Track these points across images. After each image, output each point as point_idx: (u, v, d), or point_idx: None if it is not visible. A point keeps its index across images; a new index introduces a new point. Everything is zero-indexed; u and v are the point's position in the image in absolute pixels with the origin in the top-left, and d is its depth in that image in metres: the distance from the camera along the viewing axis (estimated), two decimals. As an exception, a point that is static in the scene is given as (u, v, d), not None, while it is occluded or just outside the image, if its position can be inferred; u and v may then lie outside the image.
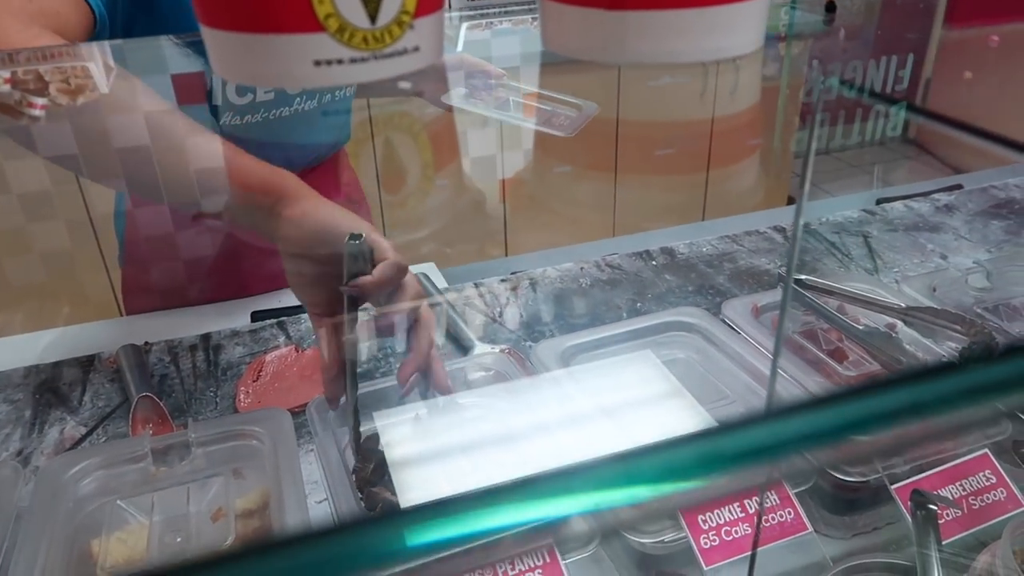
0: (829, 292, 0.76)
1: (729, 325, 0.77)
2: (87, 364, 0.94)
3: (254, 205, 0.67)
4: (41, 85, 0.90)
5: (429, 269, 1.16)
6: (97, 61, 0.93)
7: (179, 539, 0.58)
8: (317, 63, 0.30)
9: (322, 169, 1.12)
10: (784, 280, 0.75)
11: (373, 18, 0.30)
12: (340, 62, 0.30)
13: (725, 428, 0.23)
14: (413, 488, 0.61)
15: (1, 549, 0.55)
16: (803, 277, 0.77)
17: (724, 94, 2.31)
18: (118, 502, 0.59)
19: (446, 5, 0.34)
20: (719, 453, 0.23)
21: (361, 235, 0.62)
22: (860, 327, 0.71)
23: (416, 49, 0.32)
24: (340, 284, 0.64)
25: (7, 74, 0.90)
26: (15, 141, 0.70)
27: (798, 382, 0.66)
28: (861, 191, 1.41)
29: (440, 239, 2.04)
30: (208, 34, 0.31)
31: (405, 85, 0.87)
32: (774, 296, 0.80)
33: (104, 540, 0.56)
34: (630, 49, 0.31)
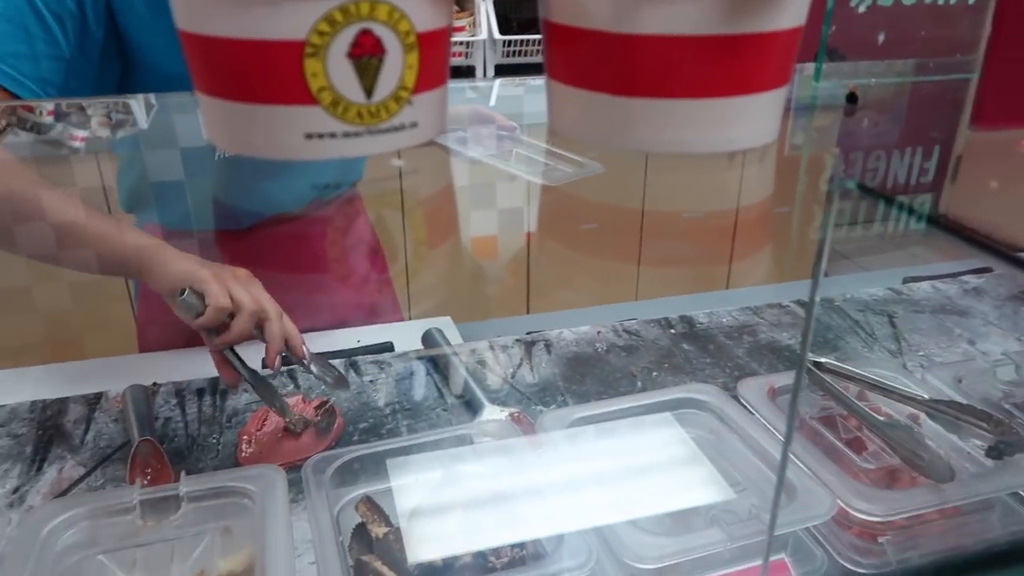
0: (849, 377, 0.73)
1: (744, 405, 0.75)
2: (94, 402, 0.93)
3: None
4: (83, 118, 0.91)
5: (445, 323, 1.14)
6: (138, 98, 0.95)
7: (157, 600, 0.56)
8: (308, 136, 0.29)
9: (330, 206, 1.11)
10: (798, 366, 0.73)
11: (369, 92, 0.29)
12: (333, 136, 0.29)
13: None
14: (420, 543, 0.59)
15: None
16: (823, 360, 0.74)
17: (754, 158, 2.30)
18: (99, 556, 0.58)
19: (448, 80, 0.33)
20: None
21: (185, 290, 0.78)
22: (881, 417, 0.68)
23: (414, 125, 0.31)
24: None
25: (51, 107, 0.91)
26: None
27: (813, 473, 0.63)
28: (890, 267, 1.37)
29: (459, 291, 2.03)
30: (202, 100, 0.31)
31: (398, 163, 0.87)
32: (791, 378, 0.77)
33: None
34: (637, 137, 0.30)
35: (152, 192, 0.99)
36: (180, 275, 0.80)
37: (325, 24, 0.27)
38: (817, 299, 0.30)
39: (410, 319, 1.22)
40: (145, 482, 0.74)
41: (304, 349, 0.85)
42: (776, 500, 0.45)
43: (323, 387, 0.90)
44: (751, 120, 0.31)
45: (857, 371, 0.72)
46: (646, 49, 0.29)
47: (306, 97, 0.29)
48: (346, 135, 0.30)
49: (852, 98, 0.45)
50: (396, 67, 0.29)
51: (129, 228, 0.85)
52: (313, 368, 0.86)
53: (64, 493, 0.78)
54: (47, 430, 0.88)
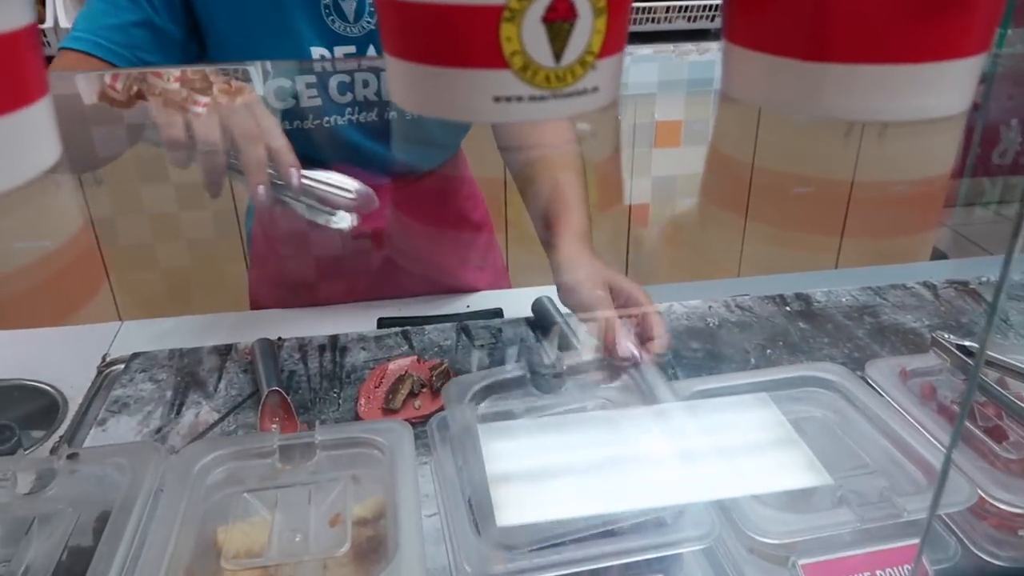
0: (990, 363, 0.70)
1: (873, 387, 0.72)
2: (225, 353, 0.99)
3: None
4: (206, 85, 0.96)
5: (553, 292, 1.15)
6: (256, 66, 0.98)
7: (298, 538, 0.60)
8: (497, 99, 0.30)
9: (422, 184, 1.12)
10: (946, 350, 0.70)
11: (558, 57, 0.30)
12: (520, 99, 0.30)
13: None
14: (510, 507, 0.61)
15: (140, 524, 0.59)
16: (966, 343, 0.71)
17: (872, 133, 2.20)
18: (244, 494, 0.62)
19: (626, 46, 0.33)
20: None
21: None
22: (1024, 406, 0.65)
23: (596, 89, 0.31)
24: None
25: (177, 72, 0.97)
26: None
27: (952, 460, 0.60)
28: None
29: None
30: (392, 64, 0.32)
31: (584, 127, 0.87)
32: (925, 361, 0.74)
33: (229, 530, 0.59)
34: (827, 104, 0.29)
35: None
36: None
37: (523, -12, 0.27)
38: (1007, 282, 0.29)
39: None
40: (275, 429, 0.79)
41: (293, 173, 0.71)
42: (941, 485, 0.44)
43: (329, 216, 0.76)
44: (950, 87, 0.29)
45: (1001, 357, 0.69)
46: (841, 12, 0.28)
47: (498, 61, 0.29)
48: (532, 99, 0.30)
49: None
50: (585, 31, 0.29)
51: None
52: (303, 200, 0.73)
53: (201, 436, 0.84)
54: (184, 377, 0.94)
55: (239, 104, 0.69)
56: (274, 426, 0.81)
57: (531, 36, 0.29)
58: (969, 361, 0.69)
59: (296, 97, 0.95)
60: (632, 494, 0.62)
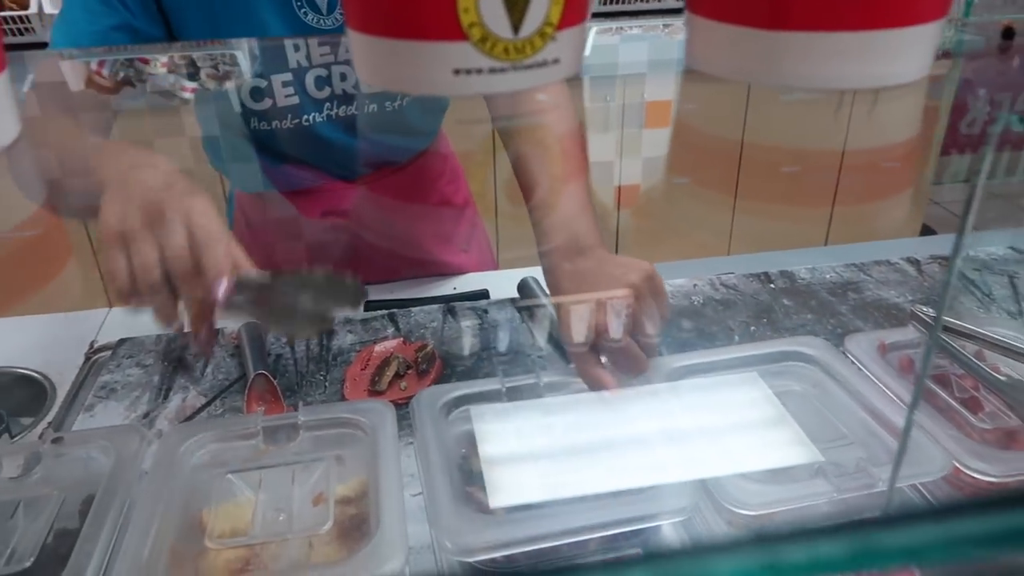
0: (967, 335, 0.70)
1: (852, 361, 0.73)
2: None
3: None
4: (193, 70, 0.95)
5: (538, 273, 1.15)
6: (244, 50, 0.98)
7: (281, 517, 0.60)
8: (456, 72, 0.30)
9: (407, 170, 1.11)
10: (923, 323, 0.70)
11: (516, 28, 0.30)
12: (479, 71, 0.30)
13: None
14: (503, 490, 0.61)
15: (124, 505, 0.59)
16: (943, 318, 0.72)
17: (861, 113, 2.20)
18: (228, 475, 0.62)
19: (589, 17, 0.33)
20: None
21: None
22: (1001, 377, 0.65)
23: (556, 61, 0.31)
24: None
25: (165, 59, 0.96)
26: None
27: (927, 430, 0.61)
28: (1008, 227, 1.30)
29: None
30: (354, 38, 0.32)
31: (543, 97, 0.86)
32: (904, 334, 0.75)
33: (214, 510, 0.59)
34: (787, 72, 0.29)
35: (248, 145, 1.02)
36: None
37: (478, -41, 0.27)
38: (962, 252, 0.29)
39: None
40: (261, 412, 0.79)
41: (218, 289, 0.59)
42: (900, 454, 0.45)
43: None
44: (907, 54, 0.30)
45: (977, 330, 0.69)
46: (798, -20, 0.28)
47: (457, 33, 0.29)
48: (492, 71, 0.30)
49: (1008, 33, 0.42)
50: (544, 2, 0.29)
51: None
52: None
53: (188, 420, 0.84)
54: (171, 362, 0.94)
55: (178, 236, 0.58)
56: (260, 409, 0.82)
57: (488, 7, 0.29)
58: (942, 335, 0.69)
59: (273, 97, 0.95)
60: (622, 474, 0.62)
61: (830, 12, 0.28)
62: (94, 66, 0.83)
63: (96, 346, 0.99)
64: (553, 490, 0.60)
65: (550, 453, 0.66)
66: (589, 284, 0.72)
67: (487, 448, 0.65)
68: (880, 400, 0.66)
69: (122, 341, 0.98)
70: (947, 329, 0.70)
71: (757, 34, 0.30)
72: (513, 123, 0.93)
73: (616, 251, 0.86)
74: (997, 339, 0.68)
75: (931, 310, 0.72)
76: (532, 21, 0.30)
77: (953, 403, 0.66)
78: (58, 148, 0.75)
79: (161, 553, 0.55)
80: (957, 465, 0.58)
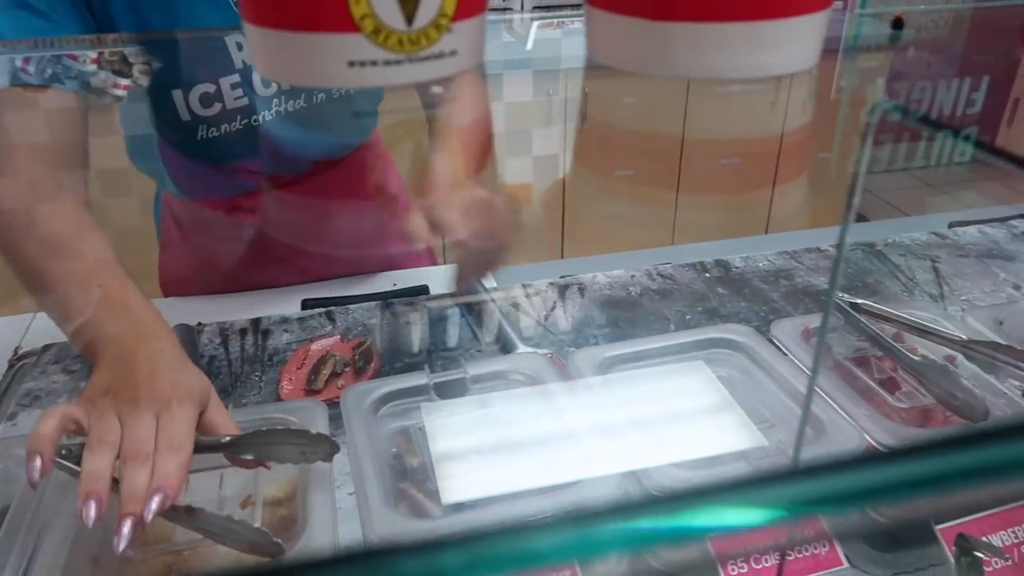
0: (886, 318, 0.73)
1: (777, 346, 0.75)
2: (142, 340, 0.96)
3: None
4: (125, 67, 0.92)
5: (478, 267, 1.16)
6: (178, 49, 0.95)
7: (209, 521, 0.59)
8: (351, 64, 0.30)
9: (345, 163, 1.11)
10: (840, 308, 0.73)
11: (410, 20, 0.30)
12: (374, 63, 0.30)
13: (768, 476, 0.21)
14: (455, 485, 0.61)
15: (44, 515, 0.57)
16: (859, 301, 0.74)
17: (796, 105, 2.25)
18: (154, 480, 0.61)
19: (487, 8, 0.33)
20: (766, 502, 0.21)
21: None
22: (916, 357, 0.68)
23: (454, 53, 0.31)
24: None
25: (94, 55, 0.92)
26: None
27: (843, 410, 0.63)
28: (935, 212, 1.35)
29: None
30: (249, 30, 0.32)
31: (438, 90, 0.86)
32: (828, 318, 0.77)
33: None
34: (674, 62, 0.30)
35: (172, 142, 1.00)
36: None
37: (366, -50, 0.27)
38: (848, 236, 0.30)
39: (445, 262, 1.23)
40: (193, 415, 0.77)
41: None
42: (800, 432, 0.46)
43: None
44: (791, 44, 0.30)
45: (894, 312, 0.72)
46: (685, -28, 0.29)
47: (349, 25, 0.29)
48: (387, 63, 0.30)
49: (898, 24, 0.43)
50: (436, -7, 0.29)
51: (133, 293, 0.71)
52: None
53: (117, 425, 0.82)
54: (99, 366, 0.91)
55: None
56: (193, 412, 0.80)
57: (379, -1, 0.29)
58: (860, 318, 0.71)
59: (223, 101, 0.92)
60: (564, 467, 0.62)
61: (717, 3, 0.29)
62: (19, 63, 0.80)
63: (20, 352, 0.96)
64: (502, 484, 0.61)
65: (500, 447, 0.67)
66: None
67: (438, 444, 0.65)
68: (801, 383, 0.67)
69: (47, 347, 0.95)
70: (866, 312, 0.73)
71: (648, 25, 0.30)
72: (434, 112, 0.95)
73: (562, 245, 0.88)
74: (912, 321, 0.71)
75: (847, 296, 0.75)
76: (426, 13, 0.30)
77: (872, 384, 0.68)
78: (50, 243, 0.72)
79: (81, 563, 0.54)
80: (871, 442, 0.60)
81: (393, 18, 0.29)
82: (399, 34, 0.30)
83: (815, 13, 0.31)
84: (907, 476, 0.22)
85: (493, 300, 1.03)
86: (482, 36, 0.33)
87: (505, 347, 0.94)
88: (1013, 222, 1.23)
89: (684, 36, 0.30)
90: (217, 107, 0.92)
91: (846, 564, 0.59)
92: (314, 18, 0.29)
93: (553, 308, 1.03)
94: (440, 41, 0.31)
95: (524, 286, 1.08)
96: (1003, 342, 0.69)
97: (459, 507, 0.60)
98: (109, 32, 0.86)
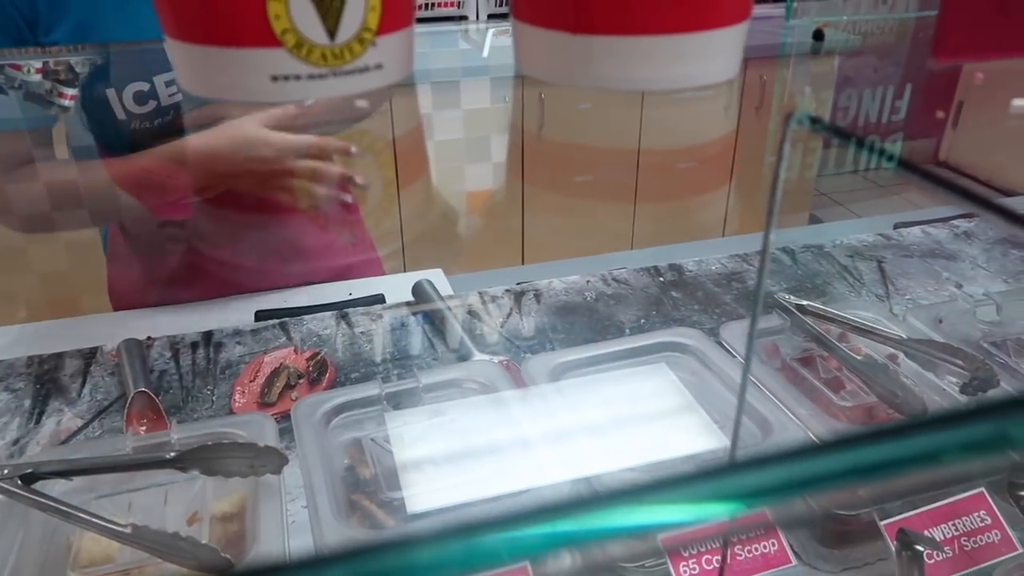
0: (830, 319, 0.75)
1: (726, 349, 0.76)
2: (89, 356, 0.95)
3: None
4: (71, 76, 0.90)
5: (435, 275, 1.15)
6: (121, 53, 0.94)
7: (154, 540, 0.58)
8: (274, 78, 0.30)
9: None
10: (785, 309, 0.74)
11: (332, 35, 0.30)
12: (298, 78, 0.30)
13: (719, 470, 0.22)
14: (420, 495, 0.61)
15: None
16: (805, 303, 0.75)
17: (749, 108, 2.29)
18: (96, 500, 0.60)
19: (414, 23, 0.33)
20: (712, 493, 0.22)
21: None
22: (859, 357, 0.69)
23: (379, 67, 0.31)
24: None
25: (39, 64, 0.90)
26: None
27: (790, 410, 0.64)
28: (884, 213, 1.38)
29: (452, 244, 2.04)
30: (172, 45, 0.31)
31: (362, 103, 0.87)
32: (769, 321, 0.79)
33: (79, 538, 0.57)
34: (596, 74, 0.30)
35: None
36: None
37: (285, -35, 0.27)
38: (772, 236, 0.31)
39: (404, 269, 1.22)
40: (141, 432, 0.76)
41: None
42: (735, 430, 0.47)
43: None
44: (710, 56, 0.31)
45: (839, 313, 0.73)
46: (605, -14, 0.29)
47: (271, 40, 0.29)
48: (311, 77, 0.30)
49: (819, 35, 0.44)
50: (359, 8, 0.29)
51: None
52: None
53: (63, 444, 0.80)
54: (44, 384, 0.89)
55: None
56: (142, 429, 0.79)
57: (300, 13, 0.28)
58: (806, 319, 0.73)
59: (157, 99, 0.91)
60: (524, 475, 0.62)
61: (636, 17, 0.30)
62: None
63: (-38, 371, 0.93)
64: (464, 493, 0.61)
65: (462, 456, 0.67)
66: None
67: (402, 453, 0.65)
68: (749, 385, 0.68)
69: (-10, 365, 0.92)
70: (812, 314, 0.74)
71: (570, 39, 0.30)
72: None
73: (522, 252, 0.89)
74: (855, 321, 0.72)
75: (793, 298, 0.76)
76: (348, 27, 0.30)
77: (817, 384, 0.70)
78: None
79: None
80: (815, 440, 0.61)
81: (315, 33, 0.29)
82: (322, 48, 0.30)
83: (733, 26, 0.31)
84: (839, 466, 0.23)
85: (450, 308, 1.03)
86: (409, 50, 0.33)
87: (462, 354, 0.94)
88: (955, 222, 1.26)
89: (605, 49, 0.30)
90: (152, 104, 0.91)
91: (795, 562, 0.60)
92: (235, 33, 0.29)
93: (509, 315, 1.03)
94: (365, 55, 0.31)
95: (480, 293, 1.08)
96: (941, 340, 0.71)
97: (414, 517, 0.59)
98: (46, 31, 0.85)
